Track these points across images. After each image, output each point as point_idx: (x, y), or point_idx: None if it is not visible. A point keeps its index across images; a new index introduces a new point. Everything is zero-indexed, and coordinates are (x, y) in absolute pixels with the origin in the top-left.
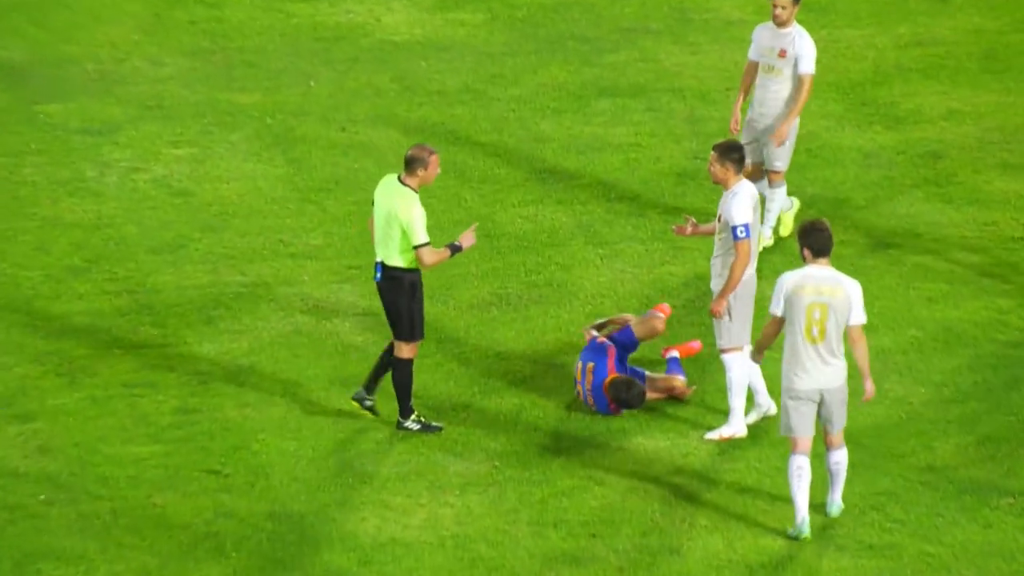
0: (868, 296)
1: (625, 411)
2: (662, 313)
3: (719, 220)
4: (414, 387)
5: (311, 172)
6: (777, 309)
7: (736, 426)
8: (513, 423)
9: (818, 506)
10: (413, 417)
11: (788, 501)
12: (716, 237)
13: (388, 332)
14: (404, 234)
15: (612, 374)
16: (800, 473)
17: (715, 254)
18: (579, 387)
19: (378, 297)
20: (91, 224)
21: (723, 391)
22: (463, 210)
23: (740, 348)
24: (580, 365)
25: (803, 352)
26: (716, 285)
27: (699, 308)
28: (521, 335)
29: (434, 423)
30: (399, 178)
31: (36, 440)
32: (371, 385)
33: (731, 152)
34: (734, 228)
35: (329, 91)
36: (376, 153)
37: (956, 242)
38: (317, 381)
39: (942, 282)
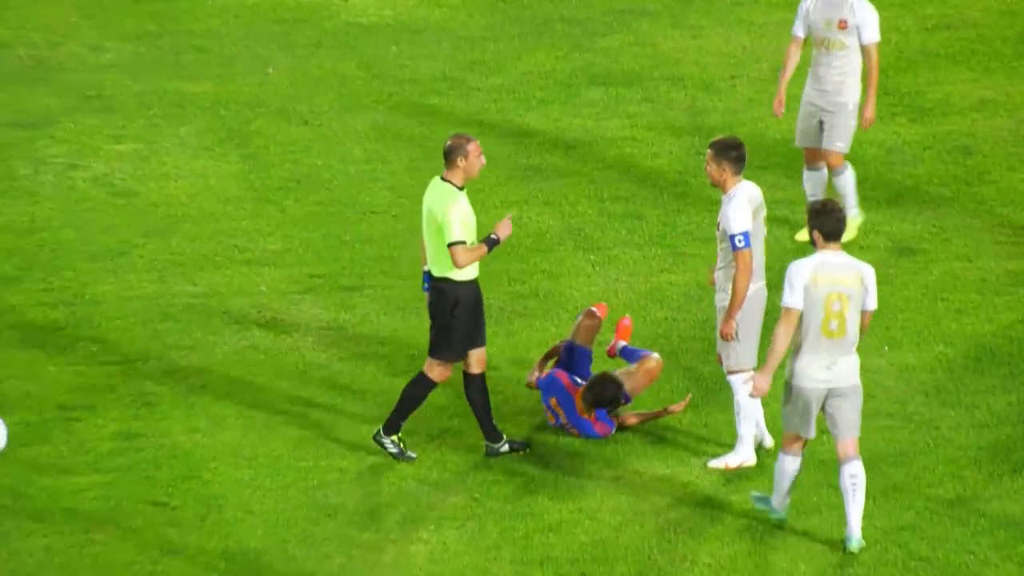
0: (891, 308)
1: (616, 424)
2: (597, 309)
3: (718, 228)
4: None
5: (269, 170)
6: (796, 301)
7: (744, 454)
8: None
9: (831, 543)
10: (393, 438)
11: (803, 535)
12: (718, 248)
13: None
14: (441, 234)
15: (576, 392)
16: (793, 475)
17: (717, 266)
18: (559, 426)
19: (347, 310)
20: (24, 228)
21: (728, 414)
22: None
23: (748, 369)
24: (545, 408)
25: (820, 347)
26: (720, 300)
27: (702, 321)
28: (504, 351)
29: (409, 451)
30: (441, 176)
31: None
32: (491, 429)
33: (728, 150)
34: (732, 237)
35: (289, 79)
36: (341, 148)
37: (989, 248)
38: (275, 403)
39: (973, 292)
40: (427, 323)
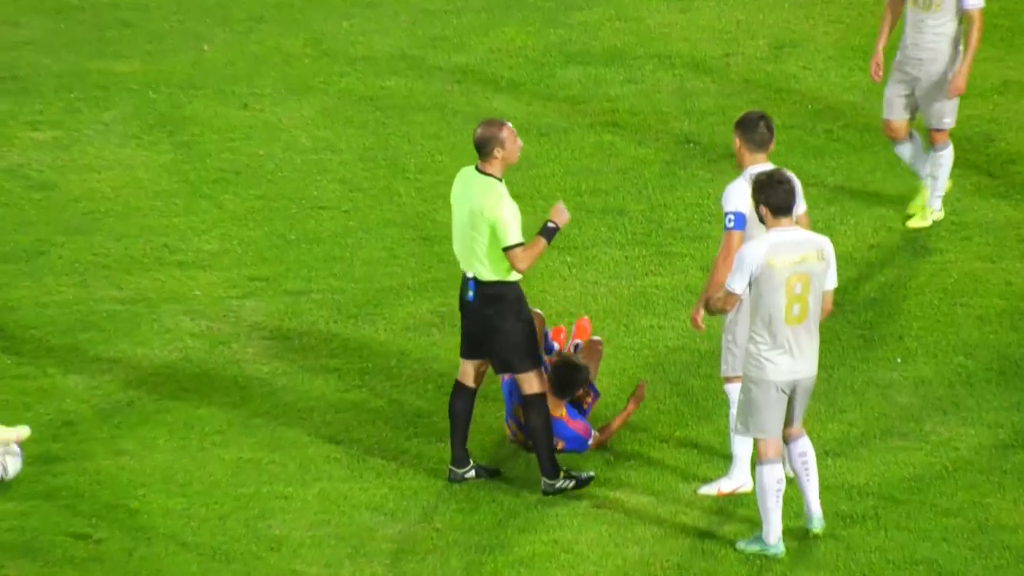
0: (904, 315)
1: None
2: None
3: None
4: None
5: (204, 160)
6: (738, 286)
7: (738, 478)
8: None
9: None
10: (560, 475)
11: (809, 568)
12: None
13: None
14: (494, 236)
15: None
16: (780, 488)
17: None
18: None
19: (293, 317)
20: None
21: (723, 433)
22: (395, 207)
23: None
24: (507, 421)
25: (782, 336)
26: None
27: (692, 330)
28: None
29: (585, 473)
30: (476, 168)
31: None
32: (462, 453)
33: (742, 124)
34: (725, 215)
35: (227, 58)
36: (286, 135)
37: (1014, 247)
38: (212, 422)
39: (996, 297)
40: (381, 329)
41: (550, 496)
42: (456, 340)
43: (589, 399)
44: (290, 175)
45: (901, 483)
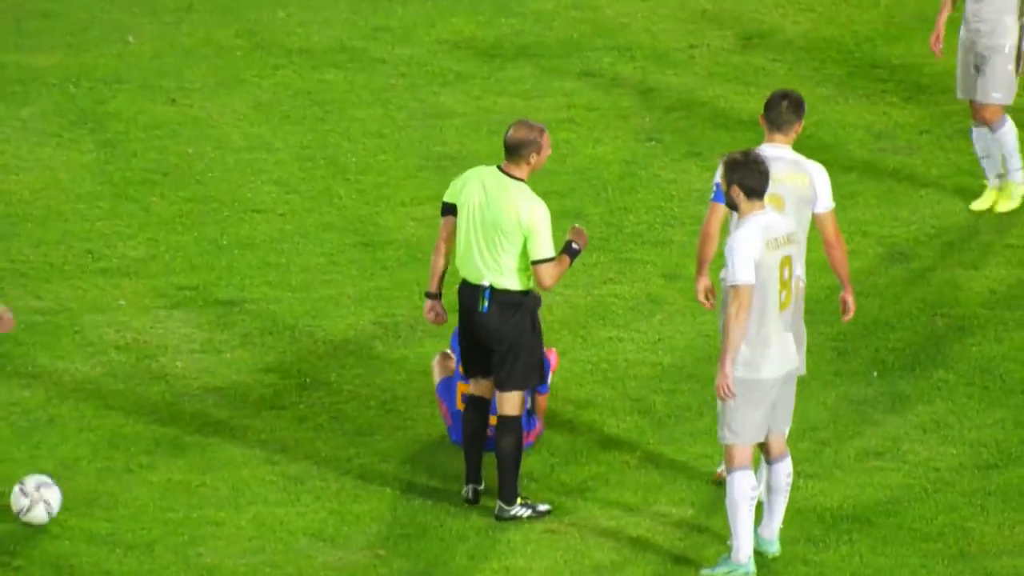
0: (881, 326)
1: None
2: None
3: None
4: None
5: (130, 159)
6: (750, 275)
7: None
8: (403, 497)
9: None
10: (518, 502)
11: None
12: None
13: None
14: (523, 245)
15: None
16: (754, 498)
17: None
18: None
19: (224, 329)
20: None
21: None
22: (335, 210)
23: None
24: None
25: (772, 325)
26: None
27: (653, 342)
28: (414, 378)
29: (541, 505)
30: (500, 168)
31: None
32: (476, 473)
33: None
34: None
35: (154, 50)
36: (217, 133)
37: (998, 253)
38: (138, 441)
39: (978, 307)
40: (319, 342)
41: (503, 521)
42: (401, 353)
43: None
44: (221, 176)
45: (877, 506)
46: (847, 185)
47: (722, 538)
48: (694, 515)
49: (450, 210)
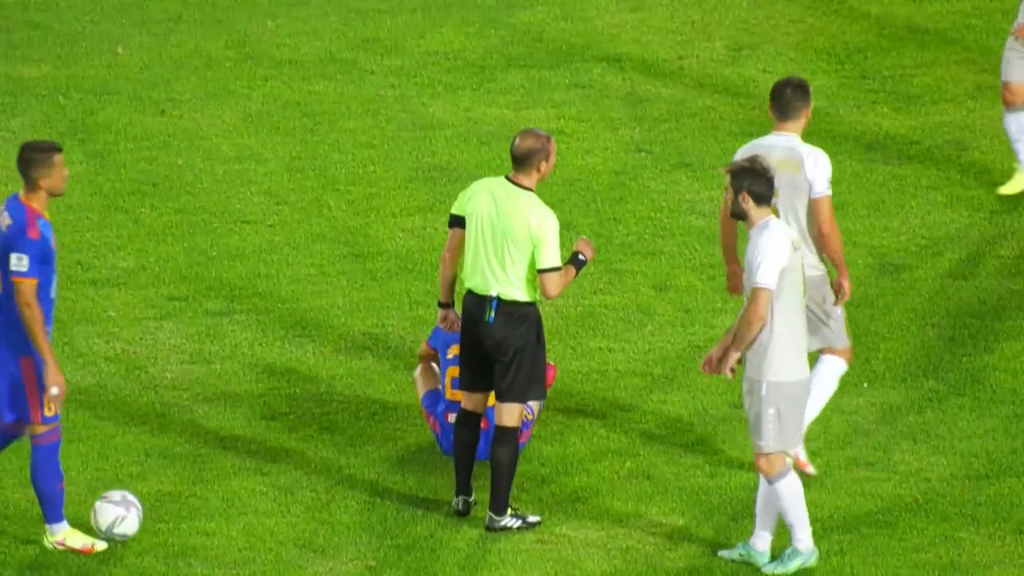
0: (871, 336)
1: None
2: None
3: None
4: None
5: (119, 170)
6: (774, 282)
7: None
8: (394, 508)
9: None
10: (508, 512)
11: None
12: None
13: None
14: (532, 255)
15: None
16: (802, 493)
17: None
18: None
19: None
20: None
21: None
22: (325, 221)
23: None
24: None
25: (800, 325)
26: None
27: (644, 352)
28: (404, 388)
29: (531, 516)
30: (508, 179)
31: None
32: (467, 485)
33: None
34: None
35: (143, 61)
36: (207, 144)
37: (989, 263)
38: (128, 452)
39: (969, 316)
40: (310, 353)
41: (493, 532)
42: (391, 363)
43: (529, 416)
44: (211, 187)
45: (868, 516)
46: (837, 196)
47: (713, 546)
48: (685, 525)
49: (457, 222)
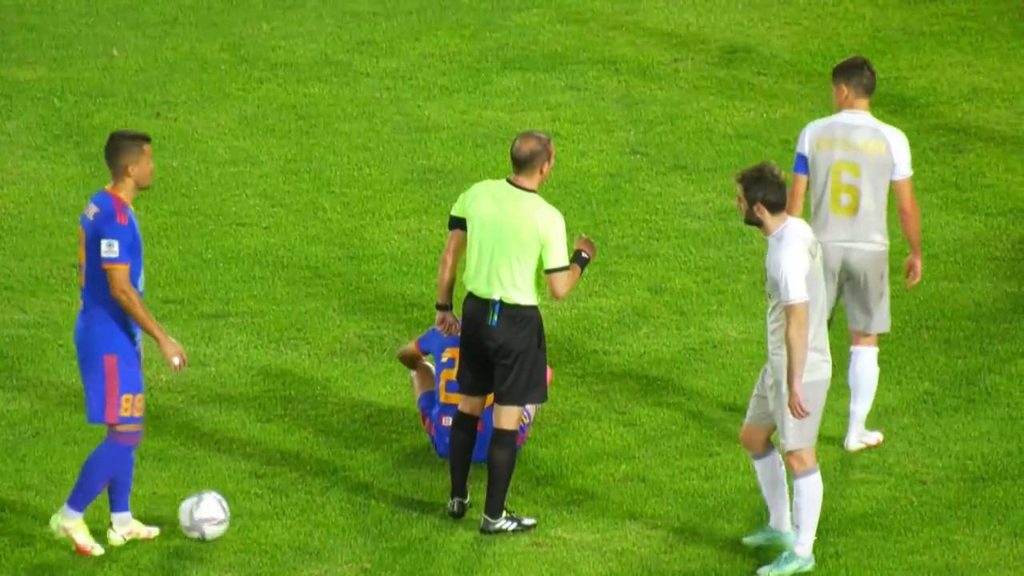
0: None
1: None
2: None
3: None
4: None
5: None
6: (805, 292)
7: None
8: (389, 511)
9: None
10: (503, 515)
11: None
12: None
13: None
14: (538, 257)
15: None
16: (820, 499)
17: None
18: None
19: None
20: None
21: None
22: (320, 223)
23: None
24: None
25: (821, 326)
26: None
27: (639, 355)
28: (399, 391)
29: (526, 519)
30: (510, 182)
31: None
32: (462, 487)
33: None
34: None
35: (138, 64)
36: (202, 147)
37: (983, 265)
38: None
39: (964, 319)
40: (305, 355)
41: (488, 535)
42: (387, 366)
43: (526, 420)
44: (207, 189)
45: (863, 519)
46: None
47: (711, 546)
48: (681, 528)
49: (457, 224)
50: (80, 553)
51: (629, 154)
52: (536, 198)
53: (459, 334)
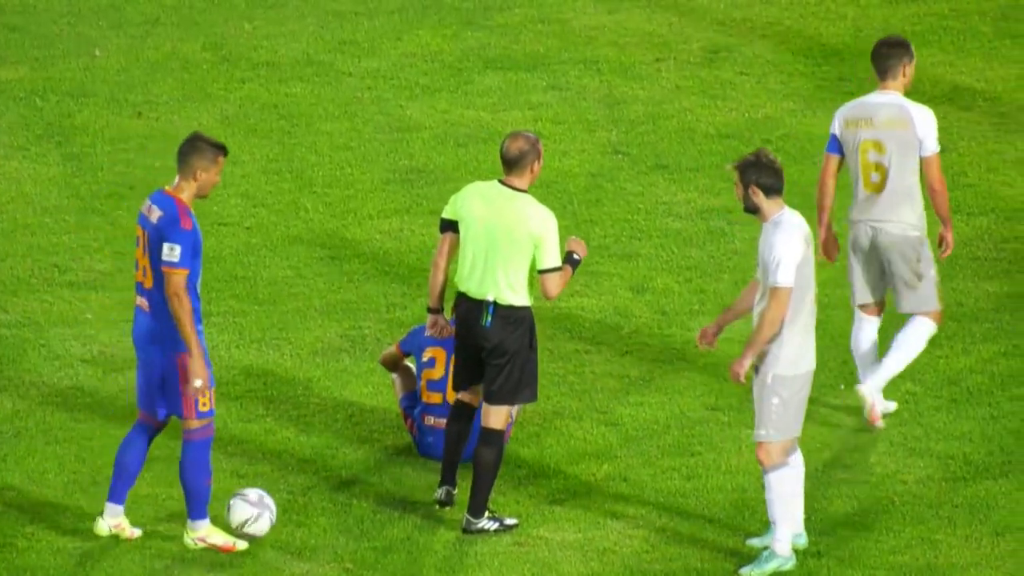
0: (847, 338)
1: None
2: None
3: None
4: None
5: (96, 173)
6: (792, 279)
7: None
8: (370, 510)
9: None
10: (486, 515)
11: None
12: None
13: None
14: (532, 257)
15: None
16: (796, 492)
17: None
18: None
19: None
20: None
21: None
22: (301, 223)
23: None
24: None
25: (811, 320)
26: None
27: (621, 354)
28: (381, 391)
29: (508, 519)
30: (501, 182)
31: None
32: (452, 476)
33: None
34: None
35: (120, 63)
36: None
37: (965, 265)
38: (105, 455)
39: (947, 319)
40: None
41: (470, 535)
42: (368, 366)
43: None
44: None
45: (845, 518)
46: (812, 196)
47: (693, 546)
48: (661, 527)
49: (449, 227)
50: (225, 552)
51: (611, 154)
52: (529, 198)
53: (451, 336)
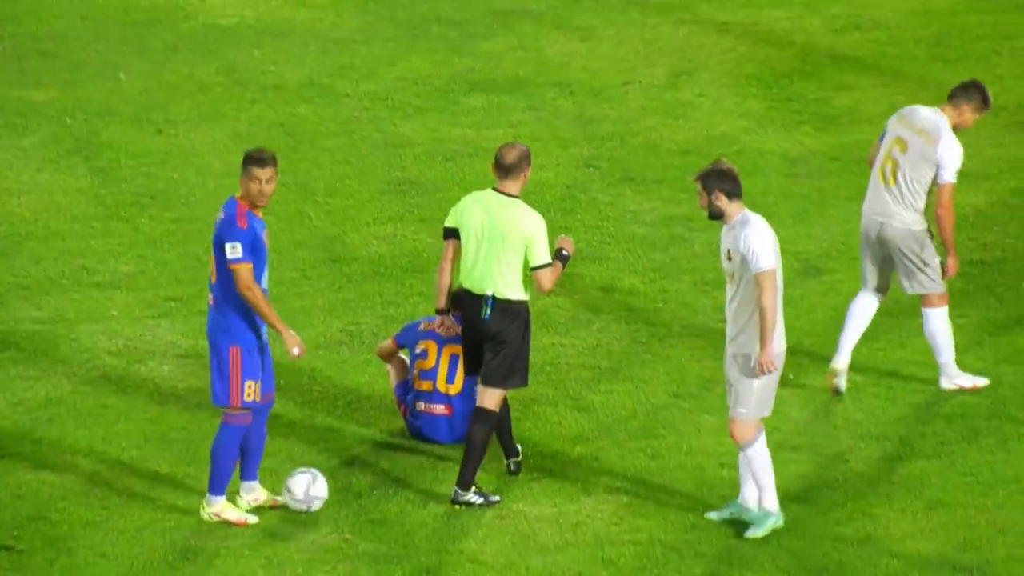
0: (796, 333)
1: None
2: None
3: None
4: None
5: (120, 184)
6: (773, 260)
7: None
8: (368, 487)
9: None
10: (473, 489)
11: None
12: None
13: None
14: (525, 255)
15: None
16: (770, 460)
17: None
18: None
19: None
20: None
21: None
22: (305, 229)
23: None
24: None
25: (779, 302)
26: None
27: (592, 347)
28: (377, 380)
29: (492, 496)
30: (496, 190)
31: None
32: (510, 445)
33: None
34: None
35: (142, 86)
36: (199, 161)
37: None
38: (129, 438)
39: (884, 314)
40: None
41: (456, 508)
42: (366, 357)
43: None
44: (203, 199)
45: (793, 494)
46: (765, 207)
47: (656, 518)
48: (628, 502)
49: (452, 234)
50: (238, 526)
51: (583, 167)
52: (521, 204)
53: (457, 335)
